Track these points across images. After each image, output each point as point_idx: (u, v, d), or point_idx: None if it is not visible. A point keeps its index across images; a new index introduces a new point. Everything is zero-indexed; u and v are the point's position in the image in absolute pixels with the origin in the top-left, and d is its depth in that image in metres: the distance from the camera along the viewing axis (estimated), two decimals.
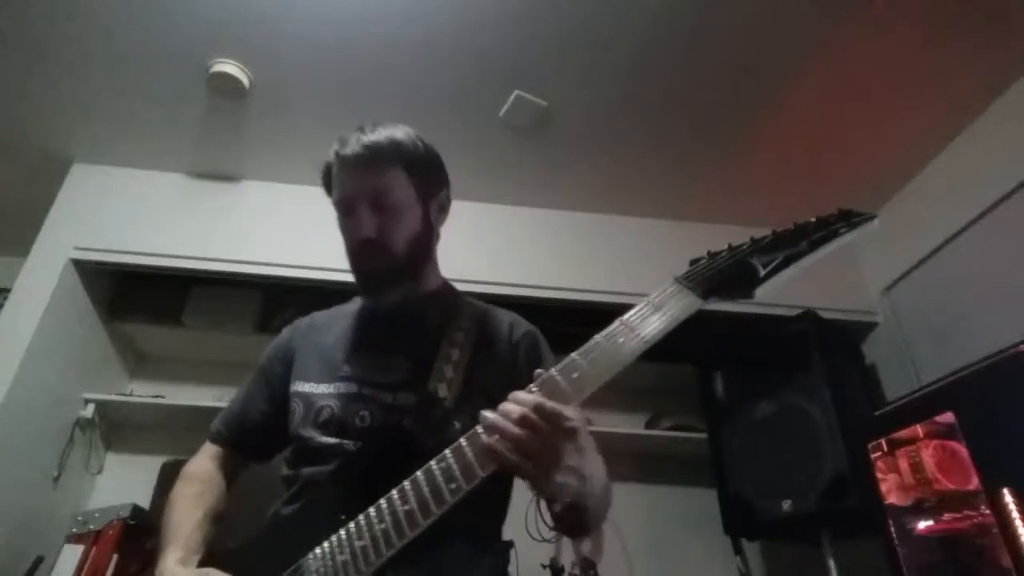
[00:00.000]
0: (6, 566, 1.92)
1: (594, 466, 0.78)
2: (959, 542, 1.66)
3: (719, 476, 2.21)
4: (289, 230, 2.42)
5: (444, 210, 1.12)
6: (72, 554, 1.93)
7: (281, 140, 2.36)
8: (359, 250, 1.00)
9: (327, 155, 1.06)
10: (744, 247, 0.79)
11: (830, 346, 2.16)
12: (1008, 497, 1.40)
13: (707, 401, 2.36)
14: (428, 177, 1.07)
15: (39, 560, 1.97)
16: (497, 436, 0.71)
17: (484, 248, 2.55)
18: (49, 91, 2.16)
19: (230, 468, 1.10)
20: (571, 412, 0.71)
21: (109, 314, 2.46)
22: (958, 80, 2.05)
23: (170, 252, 2.34)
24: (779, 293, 2.82)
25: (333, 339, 1.08)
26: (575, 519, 0.81)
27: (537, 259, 2.54)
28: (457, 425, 0.89)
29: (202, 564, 0.90)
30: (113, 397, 2.36)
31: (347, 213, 1.02)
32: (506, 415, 0.71)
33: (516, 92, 2.13)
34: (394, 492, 0.78)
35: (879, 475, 1.79)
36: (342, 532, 0.80)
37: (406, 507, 0.76)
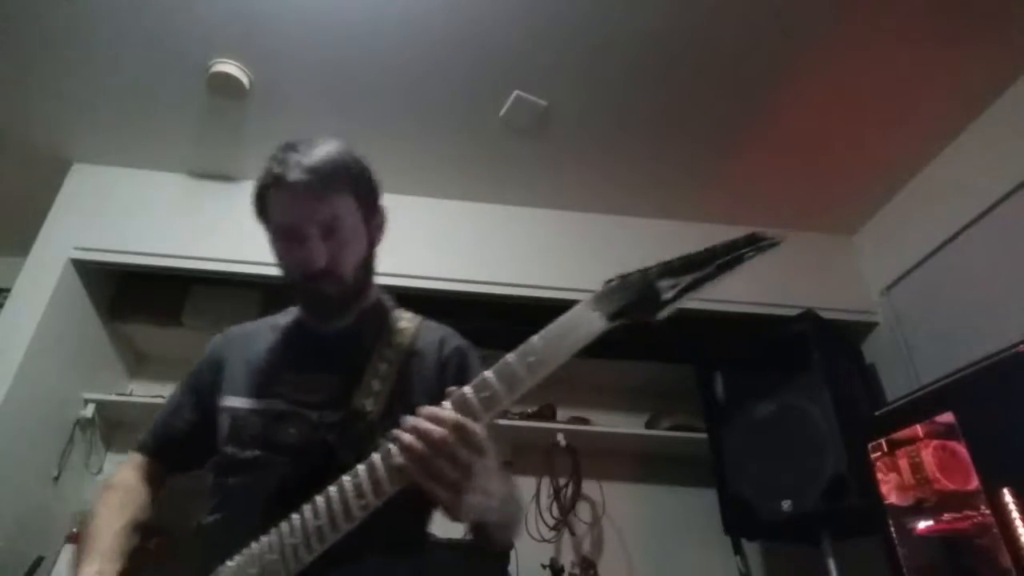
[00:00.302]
0: (6, 566, 1.92)
1: (499, 483, 0.79)
2: (959, 542, 1.66)
3: (719, 476, 2.21)
4: None
5: (382, 228, 1.10)
6: (72, 554, 1.93)
7: (281, 140, 2.34)
8: (310, 279, 0.98)
9: (258, 178, 1.00)
10: (653, 270, 0.80)
11: (830, 346, 2.16)
12: (1008, 497, 1.41)
13: (707, 401, 2.35)
14: (371, 198, 1.04)
15: (39, 560, 1.97)
16: (409, 453, 0.71)
17: (484, 248, 2.55)
18: (49, 91, 2.17)
19: (154, 478, 1.09)
20: (481, 431, 0.72)
21: (109, 314, 2.46)
22: (958, 80, 2.05)
23: (170, 252, 2.34)
24: (779, 293, 2.82)
25: (262, 353, 1.07)
26: (479, 534, 0.87)
27: (537, 259, 2.54)
28: (381, 439, 0.89)
29: (122, 573, 0.89)
30: (113, 397, 2.36)
31: (294, 239, 0.97)
32: (425, 433, 0.70)
33: (516, 92, 2.13)
34: (306, 507, 0.78)
35: (879, 475, 1.80)
36: (254, 545, 0.80)
37: (317, 522, 0.76)
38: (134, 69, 2.08)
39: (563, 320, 0.77)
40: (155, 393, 2.45)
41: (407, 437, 0.71)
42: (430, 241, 2.52)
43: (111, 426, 2.44)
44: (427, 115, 2.24)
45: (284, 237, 0.99)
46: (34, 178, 2.47)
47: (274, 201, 0.98)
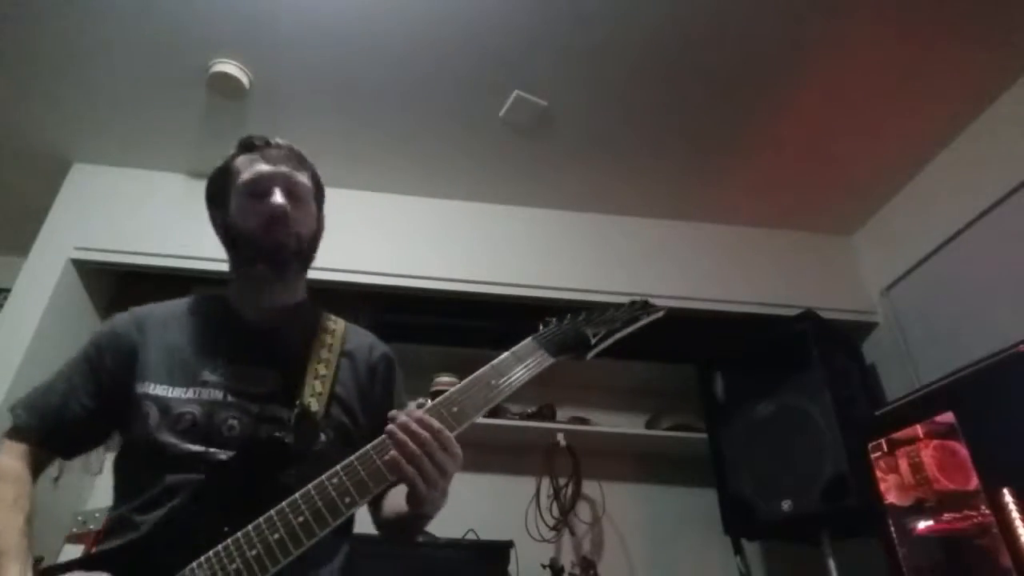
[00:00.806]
0: None
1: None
2: (959, 542, 1.66)
3: (719, 476, 2.21)
4: None
5: (323, 227, 1.17)
6: (72, 554, 1.93)
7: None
8: (276, 222, 1.03)
9: (222, 158, 1.11)
10: (580, 318, 1.04)
11: (830, 346, 2.16)
12: (1008, 497, 1.40)
13: (707, 401, 2.36)
14: (320, 197, 1.15)
15: (39, 560, 1.96)
16: (402, 450, 0.80)
17: (484, 248, 2.55)
18: (49, 91, 2.17)
19: (38, 466, 1.00)
20: (453, 439, 0.83)
21: (109, 314, 2.45)
22: (958, 80, 2.05)
23: (170, 252, 2.34)
24: (779, 293, 2.82)
25: (183, 340, 1.03)
26: (414, 525, 0.96)
27: (536, 259, 2.54)
28: (323, 437, 0.96)
29: (39, 572, 0.86)
30: None
31: (264, 192, 1.04)
32: (415, 435, 0.80)
33: (516, 92, 2.13)
34: (285, 505, 0.79)
35: (879, 475, 1.79)
36: (228, 542, 0.78)
37: (300, 519, 0.78)
38: (134, 69, 2.08)
39: (516, 352, 0.96)
40: None
41: (401, 435, 0.80)
42: (430, 241, 2.52)
43: None
44: (427, 115, 2.24)
45: (255, 190, 1.05)
46: (34, 178, 2.47)
47: (246, 164, 1.07)
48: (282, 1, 1.86)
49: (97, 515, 2.06)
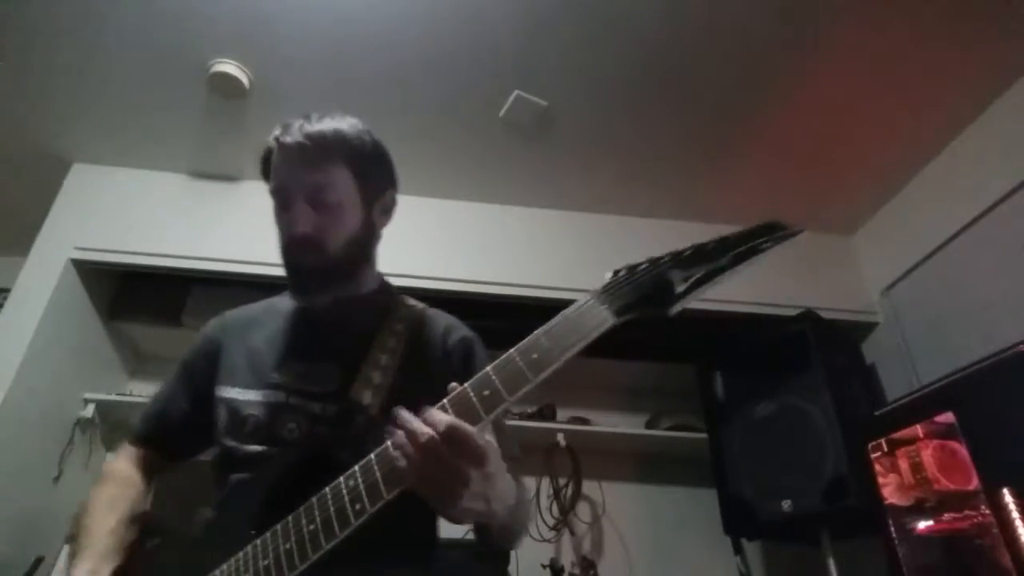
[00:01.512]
0: (6, 566, 1.92)
1: (503, 488, 0.71)
2: (959, 542, 1.66)
3: (719, 476, 2.21)
4: None
5: (388, 212, 1.07)
6: (70, 554, 1.93)
7: None
8: (293, 246, 0.95)
9: (267, 140, 1.01)
10: (664, 260, 0.74)
11: (830, 346, 2.16)
12: (1008, 497, 1.40)
13: (707, 401, 2.36)
14: (373, 177, 1.02)
15: (39, 560, 1.97)
16: (402, 455, 0.66)
17: (484, 248, 2.55)
18: (49, 91, 2.17)
19: (150, 469, 1.05)
20: (479, 437, 0.65)
21: (109, 314, 2.46)
22: (958, 80, 2.05)
23: (170, 252, 2.34)
24: (779, 293, 2.81)
25: (263, 340, 1.02)
26: (481, 535, 0.85)
27: (537, 259, 2.54)
28: (386, 434, 0.86)
29: (117, 571, 0.86)
30: (113, 397, 2.36)
31: (284, 206, 0.97)
32: (415, 435, 0.64)
33: (516, 92, 2.13)
34: (301, 509, 0.74)
35: (879, 475, 1.79)
36: (249, 548, 0.77)
37: (311, 527, 0.72)
38: (134, 69, 2.08)
39: (569, 315, 0.71)
40: (155, 393, 2.45)
41: (399, 437, 0.66)
42: (430, 241, 2.52)
43: (111, 426, 2.44)
44: (427, 115, 2.24)
45: (276, 200, 0.99)
46: (34, 178, 2.47)
47: (273, 164, 0.99)
48: (282, 1, 1.86)
49: None
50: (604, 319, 0.70)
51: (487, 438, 0.68)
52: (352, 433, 0.84)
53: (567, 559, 2.33)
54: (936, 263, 2.30)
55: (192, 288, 2.46)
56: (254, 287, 2.44)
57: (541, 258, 2.55)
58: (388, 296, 1.08)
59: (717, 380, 2.35)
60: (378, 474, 0.69)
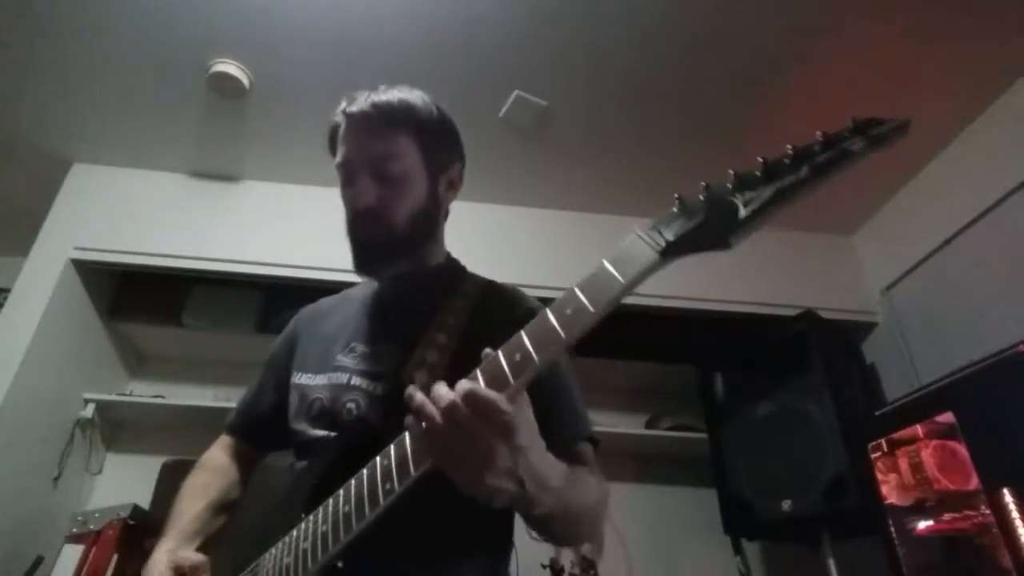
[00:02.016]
0: (6, 566, 1.92)
1: (539, 468, 0.64)
2: (959, 542, 1.66)
3: (719, 476, 2.21)
4: (289, 230, 2.42)
5: (455, 186, 1.05)
6: (72, 554, 1.93)
7: (281, 140, 2.36)
8: (356, 219, 0.93)
9: (334, 114, 0.99)
10: (724, 184, 0.59)
11: (830, 346, 2.16)
12: (1008, 497, 1.40)
13: (707, 401, 2.36)
14: (440, 149, 1.00)
15: (39, 560, 1.97)
16: (419, 425, 0.61)
17: (484, 248, 2.54)
18: (49, 91, 2.17)
19: (244, 458, 1.08)
20: (506, 404, 0.58)
21: (109, 314, 2.46)
22: (958, 80, 2.05)
23: (170, 252, 2.34)
24: (779, 293, 2.80)
25: (335, 327, 1.03)
26: (533, 527, 0.77)
27: (537, 259, 2.54)
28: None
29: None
30: (113, 397, 2.36)
31: (348, 179, 0.95)
32: (436, 400, 0.59)
33: (516, 92, 2.13)
34: (340, 491, 0.72)
35: (879, 475, 1.79)
36: (294, 532, 0.77)
37: (346, 508, 0.69)
38: (134, 69, 2.08)
39: (607, 261, 0.60)
40: (155, 393, 2.46)
41: (424, 404, 0.60)
42: None
43: (111, 426, 2.44)
44: None
45: (342, 175, 0.96)
46: (34, 178, 2.47)
47: (340, 137, 0.97)
48: (282, 1, 1.86)
49: (97, 515, 2.05)
50: (648, 260, 0.58)
51: (523, 410, 0.62)
52: (403, 413, 0.82)
53: (567, 559, 2.32)
54: (936, 263, 2.30)
55: (192, 288, 2.47)
56: (254, 287, 2.44)
57: (541, 258, 2.54)
58: (453, 272, 1.06)
59: (717, 380, 2.35)
60: (408, 450, 0.65)
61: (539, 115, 2.20)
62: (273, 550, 0.79)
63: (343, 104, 0.96)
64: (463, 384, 0.59)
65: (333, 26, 1.92)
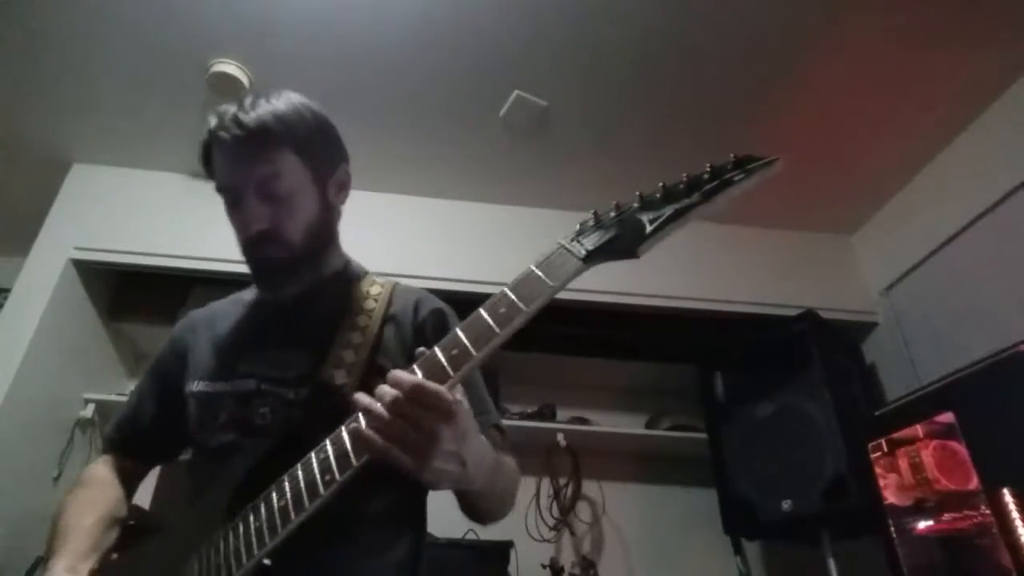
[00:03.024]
0: (6, 566, 1.92)
1: (477, 449, 0.71)
2: (959, 542, 1.66)
3: (719, 476, 2.21)
4: None
5: (344, 188, 1.02)
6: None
7: None
8: (252, 243, 0.92)
9: (201, 132, 0.93)
10: (631, 205, 0.71)
11: (830, 346, 2.16)
12: (1008, 497, 1.40)
13: (707, 401, 2.36)
14: (323, 155, 0.96)
15: (39, 560, 1.97)
16: (368, 421, 0.65)
17: (484, 248, 2.55)
18: (49, 91, 2.17)
19: (127, 473, 1.02)
20: (449, 394, 0.64)
21: (109, 314, 2.46)
22: (958, 80, 2.05)
23: (170, 252, 2.34)
24: (779, 293, 2.80)
25: (230, 332, 1.00)
26: (466, 505, 0.84)
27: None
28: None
29: (94, 572, 0.85)
30: (113, 397, 2.35)
31: (233, 204, 0.93)
32: (380, 397, 0.63)
33: (516, 92, 2.13)
34: (273, 486, 0.73)
35: (879, 475, 1.79)
36: (220, 532, 0.76)
37: (281, 503, 0.70)
38: (134, 69, 2.08)
39: (535, 267, 0.70)
40: None
41: (369, 401, 0.64)
42: (430, 241, 2.52)
43: None
44: (427, 115, 2.24)
45: (224, 199, 0.94)
46: (34, 178, 2.47)
47: (214, 159, 0.93)
48: (282, 1, 1.86)
49: None
50: (572, 266, 0.69)
51: (458, 397, 0.67)
52: (327, 413, 0.79)
53: (567, 559, 2.32)
54: (936, 263, 2.30)
55: (192, 288, 2.46)
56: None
57: None
58: (354, 275, 1.05)
59: (717, 380, 2.35)
60: (347, 443, 0.68)
61: (539, 115, 2.20)
62: (199, 553, 0.77)
63: (211, 123, 0.91)
64: (408, 378, 0.63)
65: (333, 26, 1.92)
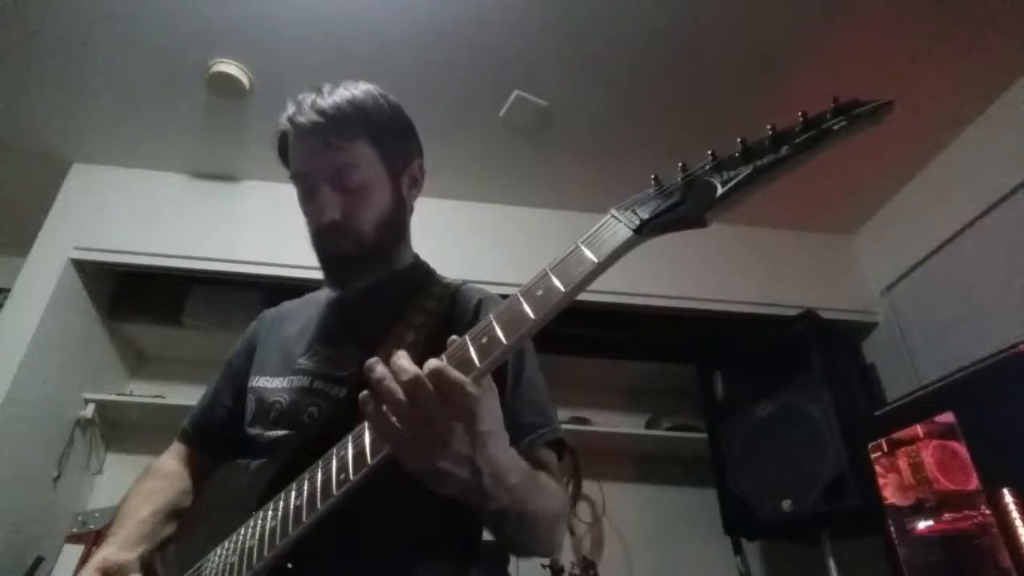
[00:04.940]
0: (6, 566, 1.92)
1: (500, 460, 0.61)
2: (959, 542, 1.66)
3: (719, 476, 2.21)
4: (289, 230, 2.38)
5: (417, 183, 1.02)
6: (72, 554, 1.94)
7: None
8: (322, 233, 0.90)
9: (279, 121, 0.94)
10: (702, 166, 0.60)
11: (830, 346, 2.16)
12: (1008, 497, 1.40)
13: (707, 401, 2.36)
14: (398, 148, 0.97)
15: (39, 560, 1.97)
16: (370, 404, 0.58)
17: (483, 248, 2.55)
18: (49, 91, 2.16)
19: (197, 467, 1.02)
20: (472, 387, 0.56)
21: (109, 314, 2.46)
22: (958, 81, 2.05)
23: (170, 252, 2.34)
24: (779, 293, 2.80)
25: (297, 330, 1.00)
26: (490, 527, 0.73)
27: (537, 259, 2.51)
28: None
29: (144, 559, 0.84)
30: (113, 397, 2.36)
31: (307, 193, 0.91)
32: (397, 374, 0.56)
33: (516, 92, 2.13)
34: (293, 484, 0.70)
35: (879, 475, 1.79)
36: (241, 529, 0.74)
37: (297, 502, 0.67)
38: (134, 69, 2.08)
39: (581, 241, 0.60)
40: (155, 393, 2.46)
41: (384, 376, 0.57)
42: (429, 241, 2.49)
43: (111, 426, 2.44)
44: (427, 115, 2.22)
45: (298, 187, 0.93)
46: (34, 178, 2.47)
47: (291, 147, 0.93)
48: (283, 1, 1.86)
49: (97, 515, 2.06)
50: (621, 237, 0.57)
51: (488, 396, 0.59)
52: None
53: (567, 559, 2.32)
54: (936, 263, 2.30)
55: (192, 288, 2.47)
56: (254, 287, 2.44)
57: (541, 258, 2.52)
58: (421, 273, 1.03)
59: (717, 380, 2.35)
60: (366, 440, 0.63)
61: (539, 115, 2.20)
62: (219, 548, 0.76)
63: (289, 110, 0.92)
64: (432, 361, 0.56)
65: (333, 26, 1.93)
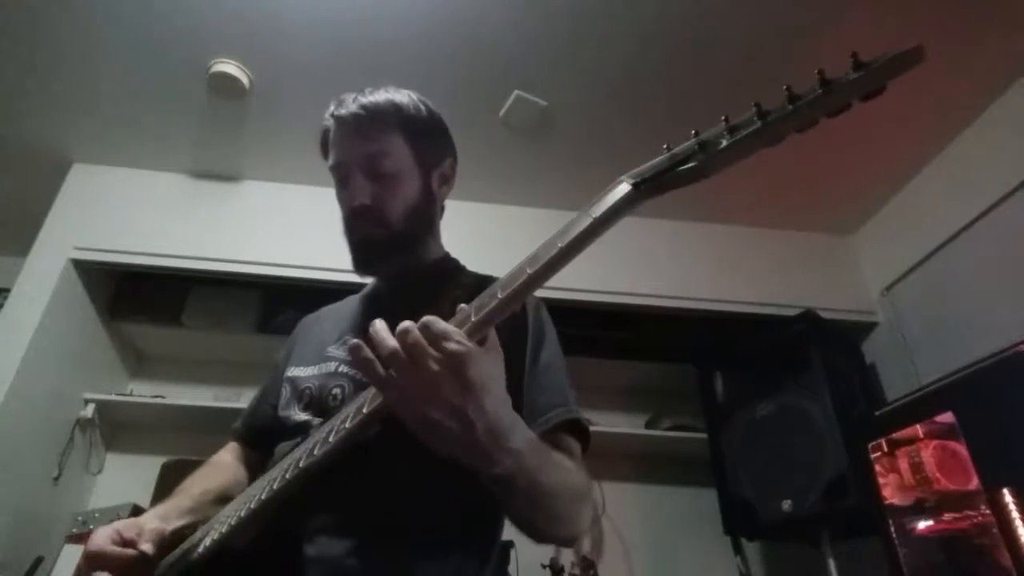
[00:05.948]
0: (6, 566, 1.92)
1: (498, 417, 0.61)
2: (959, 542, 1.66)
3: (719, 476, 2.21)
4: (289, 230, 2.42)
5: (448, 181, 1.08)
6: (72, 554, 1.93)
7: (281, 140, 2.36)
8: (353, 218, 0.95)
9: (324, 118, 1.02)
10: (718, 130, 0.63)
11: (830, 346, 2.16)
12: (1008, 497, 1.40)
13: (707, 401, 2.36)
14: (430, 145, 1.03)
15: (39, 560, 1.97)
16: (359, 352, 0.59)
17: (483, 248, 2.53)
18: (49, 91, 2.17)
19: (249, 463, 1.07)
20: (461, 335, 0.58)
21: (109, 314, 2.46)
22: (958, 80, 2.05)
23: (170, 252, 2.34)
24: (779, 293, 2.80)
25: (331, 325, 1.05)
26: (503, 505, 0.72)
27: None
28: None
29: (179, 531, 0.85)
30: (113, 397, 2.35)
31: (342, 181, 0.98)
32: (374, 334, 0.59)
33: (516, 92, 2.13)
34: (296, 449, 0.74)
35: (879, 475, 1.79)
36: (248, 490, 0.77)
37: (298, 454, 0.71)
38: (134, 69, 2.08)
39: (596, 200, 0.65)
40: (155, 393, 2.46)
41: (381, 327, 0.60)
42: None
43: (111, 426, 2.44)
44: None
45: (336, 177, 0.99)
46: (34, 178, 2.47)
47: (331, 140, 0.99)
48: (282, 1, 1.86)
49: (97, 515, 2.06)
50: (620, 193, 0.62)
51: (487, 352, 0.61)
52: None
53: (567, 559, 2.32)
54: (936, 263, 2.30)
55: (192, 288, 2.47)
56: (254, 287, 2.44)
57: None
58: (451, 267, 1.07)
59: (717, 380, 2.35)
60: (367, 396, 0.66)
61: (539, 115, 2.20)
62: (228, 510, 0.79)
63: (332, 107, 0.99)
64: (429, 317, 0.59)
65: (333, 26, 1.93)
